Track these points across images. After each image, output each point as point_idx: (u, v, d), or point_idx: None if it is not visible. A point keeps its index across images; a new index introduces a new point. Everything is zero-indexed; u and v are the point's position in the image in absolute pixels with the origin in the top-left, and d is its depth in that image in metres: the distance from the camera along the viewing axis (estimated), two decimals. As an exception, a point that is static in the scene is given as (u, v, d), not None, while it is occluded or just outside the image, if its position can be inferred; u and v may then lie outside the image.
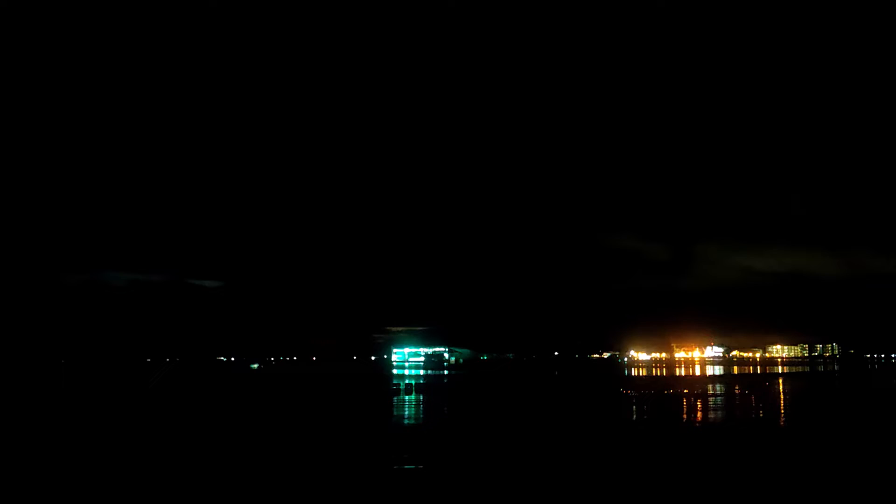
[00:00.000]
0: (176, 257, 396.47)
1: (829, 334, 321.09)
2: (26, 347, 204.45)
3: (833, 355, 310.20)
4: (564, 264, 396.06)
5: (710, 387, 68.72)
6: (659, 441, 27.97)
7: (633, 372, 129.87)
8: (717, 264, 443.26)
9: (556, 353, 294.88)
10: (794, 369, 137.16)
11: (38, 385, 74.90)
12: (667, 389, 63.35)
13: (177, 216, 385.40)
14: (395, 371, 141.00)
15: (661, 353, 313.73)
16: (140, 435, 30.04)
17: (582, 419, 36.48)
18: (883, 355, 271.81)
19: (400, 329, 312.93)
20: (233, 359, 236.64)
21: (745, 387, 68.08)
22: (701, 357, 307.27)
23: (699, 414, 39.82)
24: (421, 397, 54.48)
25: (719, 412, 41.00)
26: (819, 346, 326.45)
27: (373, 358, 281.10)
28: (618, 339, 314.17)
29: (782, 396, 55.44)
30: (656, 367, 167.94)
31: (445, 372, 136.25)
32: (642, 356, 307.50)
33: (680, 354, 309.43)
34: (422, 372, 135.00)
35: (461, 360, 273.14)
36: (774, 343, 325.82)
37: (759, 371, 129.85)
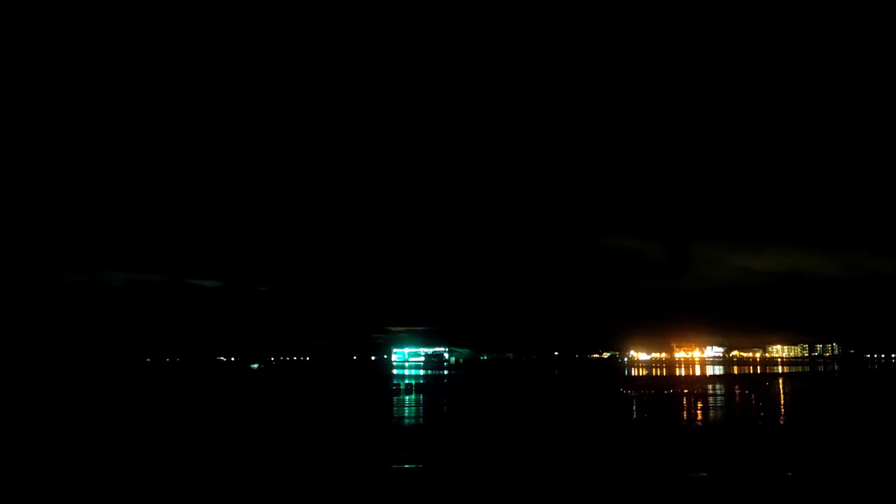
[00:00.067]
0: (174, 257, 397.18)
1: (829, 334, 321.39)
2: (26, 348, 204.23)
3: (833, 355, 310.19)
4: (564, 265, 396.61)
5: (709, 387, 68.72)
6: (659, 441, 27.99)
7: (633, 372, 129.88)
8: (716, 264, 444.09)
9: (556, 353, 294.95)
10: (794, 369, 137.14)
11: (38, 385, 74.92)
12: (667, 389, 63.35)
13: (176, 216, 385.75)
14: (395, 371, 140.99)
15: (661, 353, 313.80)
16: (140, 436, 30.05)
17: (582, 419, 36.49)
18: (883, 355, 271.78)
19: (400, 329, 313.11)
20: (233, 359, 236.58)
21: (744, 387, 68.08)
22: (701, 357, 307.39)
23: (699, 414, 39.83)
24: (421, 397, 54.50)
25: (719, 412, 41.01)
26: (819, 346, 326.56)
27: (373, 358, 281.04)
28: (618, 339, 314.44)
29: (782, 396, 55.45)
30: (656, 367, 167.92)
31: (445, 372, 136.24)
32: (642, 356, 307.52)
33: (680, 354, 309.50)
34: (422, 372, 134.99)
35: (461, 360, 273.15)
36: (774, 343, 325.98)
37: (759, 371, 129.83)
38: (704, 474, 20.34)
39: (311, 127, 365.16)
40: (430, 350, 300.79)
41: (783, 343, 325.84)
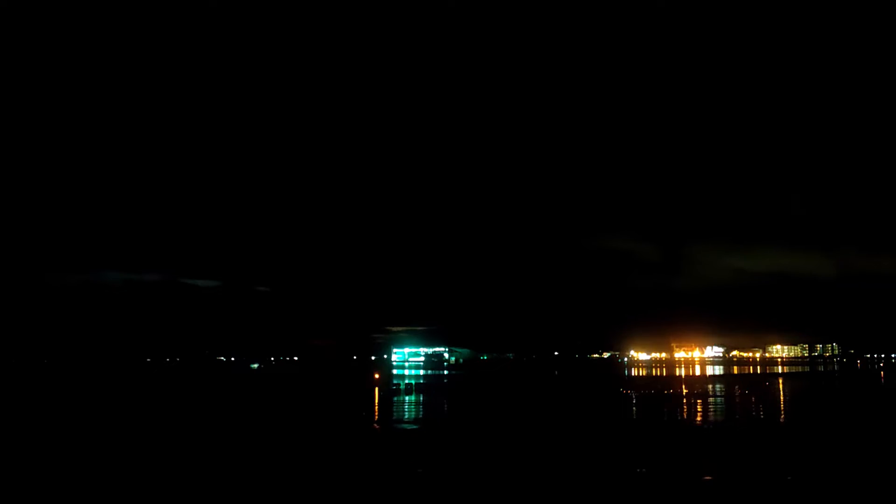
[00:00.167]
0: (170, 257, 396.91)
1: (829, 334, 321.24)
2: (25, 348, 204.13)
3: (833, 355, 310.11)
4: (564, 265, 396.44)
5: (709, 387, 68.69)
6: (659, 442, 27.96)
7: (633, 372, 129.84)
8: (710, 265, 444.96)
9: (556, 353, 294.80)
10: (793, 369, 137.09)
11: (39, 386, 74.90)
12: (667, 389, 63.33)
13: (172, 216, 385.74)
14: (395, 371, 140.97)
15: (661, 353, 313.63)
16: (139, 437, 30.03)
17: (582, 420, 36.46)
18: (883, 355, 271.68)
19: (400, 329, 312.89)
20: (233, 359, 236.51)
21: (744, 387, 68.05)
22: (701, 357, 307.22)
23: (699, 414, 39.80)
24: (421, 397, 54.47)
25: (719, 412, 40.98)
26: (819, 346, 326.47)
27: (373, 358, 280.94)
28: (618, 339, 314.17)
29: (782, 397, 55.42)
30: (656, 367, 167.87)
31: (445, 372, 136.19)
32: (642, 356, 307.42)
33: (680, 354, 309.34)
34: (422, 372, 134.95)
35: (461, 360, 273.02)
36: (774, 343, 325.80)
37: (758, 371, 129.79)
38: (707, 477, 20.31)
39: (311, 127, 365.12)
40: (430, 350, 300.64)
41: (783, 343, 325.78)
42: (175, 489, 18.66)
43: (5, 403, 49.90)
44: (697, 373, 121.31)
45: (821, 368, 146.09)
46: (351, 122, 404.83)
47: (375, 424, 35.20)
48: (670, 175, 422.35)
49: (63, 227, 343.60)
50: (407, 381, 78.08)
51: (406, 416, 39.86)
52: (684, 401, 49.56)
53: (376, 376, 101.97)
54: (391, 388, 66.16)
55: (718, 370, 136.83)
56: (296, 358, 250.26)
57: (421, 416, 40.46)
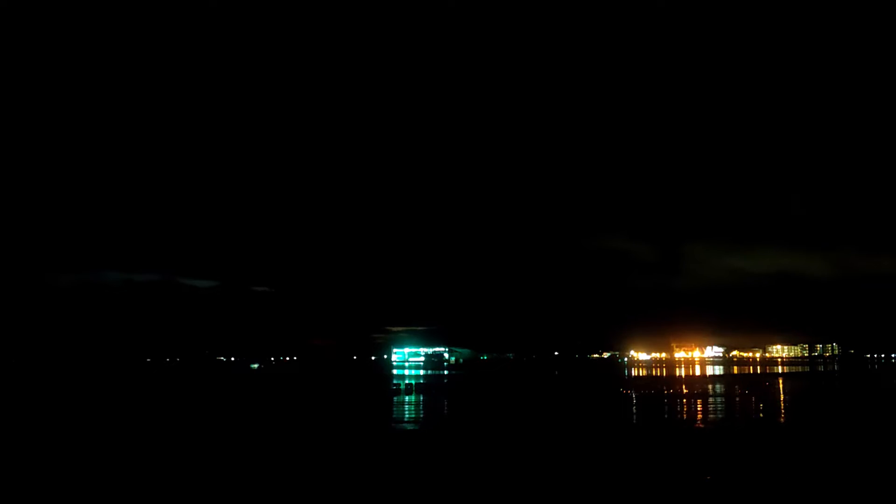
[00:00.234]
0: (168, 257, 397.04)
1: (829, 334, 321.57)
2: (25, 349, 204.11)
3: (833, 355, 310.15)
4: (564, 265, 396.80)
5: (710, 387, 68.70)
6: (659, 442, 27.96)
7: (633, 372, 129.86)
8: (713, 265, 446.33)
9: (556, 353, 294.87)
10: (793, 369, 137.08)
11: (41, 386, 74.91)
12: (667, 390, 63.34)
13: (170, 216, 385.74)
14: (395, 371, 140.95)
15: (661, 353, 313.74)
16: (138, 437, 30.03)
17: (582, 420, 36.46)
18: (883, 355, 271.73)
19: (400, 329, 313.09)
20: (233, 359, 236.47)
21: (745, 387, 68.05)
22: (701, 357, 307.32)
23: (699, 414, 39.80)
24: (421, 397, 54.47)
25: (719, 412, 40.99)
26: (819, 346, 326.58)
27: (373, 358, 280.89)
28: (618, 339, 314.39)
29: (782, 396, 55.41)
30: (656, 367, 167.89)
31: (445, 372, 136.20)
32: (642, 356, 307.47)
33: (680, 354, 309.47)
34: (422, 372, 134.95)
35: (461, 360, 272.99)
36: (774, 343, 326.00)
37: (758, 371, 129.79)
38: (707, 477, 20.31)
39: (311, 127, 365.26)
40: (430, 350, 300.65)
41: (783, 343, 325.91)
42: (174, 489, 18.66)
43: (5, 404, 49.88)
44: (697, 373, 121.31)
45: (821, 368, 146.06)
46: (351, 123, 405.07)
47: (375, 424, 35.19)
48: (669, 175, 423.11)
49: (62, 228, 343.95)
50: (407, 381, 78.08)
51: (406, 417, 39.85)
52: (684, 401, 49.55)
53: (376, 376, 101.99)
54: (391, 388, 66.15)
55: (718, 370, 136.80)
56: (296, 358, 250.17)
57: (421, 416, 40.45)
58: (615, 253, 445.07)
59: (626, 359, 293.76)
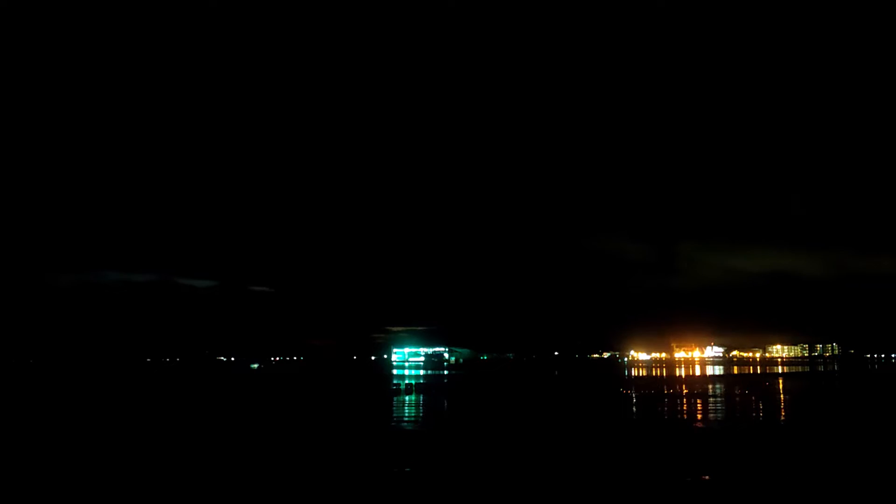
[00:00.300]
0: (165, 257, 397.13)
1: (829, 334, 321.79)
2: (25, 349, 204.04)
3: (833, 355, 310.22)
4: (564, 265, 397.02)
5: (709, 387, 68.70)
6: (658, 441, 27.96)
7: (634, 372, 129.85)
8: (713, 265, 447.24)
9: (556, 353, 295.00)
10: (793, 369, 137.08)
11: (42, 386, 74.92)
12: (667, 390, 63.34)
13: (172, 216, 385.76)
14: (395, 371, 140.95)
15: (661, 353, 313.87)
16: (138, 437, 30.03)
17: (582, 420, 36.46)
18: (883, 355, 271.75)
19: (400, 329, 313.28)
20: (233, 359, 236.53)
21: (744, 387, 68.06)
22: (701, 357, 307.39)
23: (699, 414, 39.80)
24: (421, 397, 54.47)
25: (719, 412, 40.97)
26: (819, 346, 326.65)
27: (373, 358, 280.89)
28: (618, 339, 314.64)
29: (782, 396, 55.41)
30: (656, 368, 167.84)
31: (445, 372, 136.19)
32: (642, 356, 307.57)
33: (680, 354, 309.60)
34: (422, 372, 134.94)
35: (461, 360, 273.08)
36: (774, 343, 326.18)
37: (758, 371, 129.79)
38: (705, 476, 20.31)
39: (311, 127, 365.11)
40: (430, 350, 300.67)
41: (783, 343, 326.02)
42: (173, 489, 18.66)
43: (6, 404, 49.89)
44: (697, 373, 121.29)
45: (821, 368, 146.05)
46: (351, 123, 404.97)
47: (375, 424, 35.18)
48: (668, 176, 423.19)
49: (61, 228, 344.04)
50: (407, 381, 78.09)
51: (406, 416, 39.84)
52: (684, 401, 49.55)
53: (376, 376, 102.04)
54: (391, 388, 66.16)
55: (718, 370, 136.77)
56: (296, 358, 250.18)
57: (421, 416, 40.45)
58: (615, 253, 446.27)
59: (626, 359, 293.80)
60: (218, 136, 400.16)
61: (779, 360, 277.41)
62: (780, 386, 70.43)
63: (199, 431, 31.67)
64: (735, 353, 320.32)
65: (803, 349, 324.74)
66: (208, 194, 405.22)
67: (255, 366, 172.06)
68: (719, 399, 51.78)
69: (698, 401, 48.75)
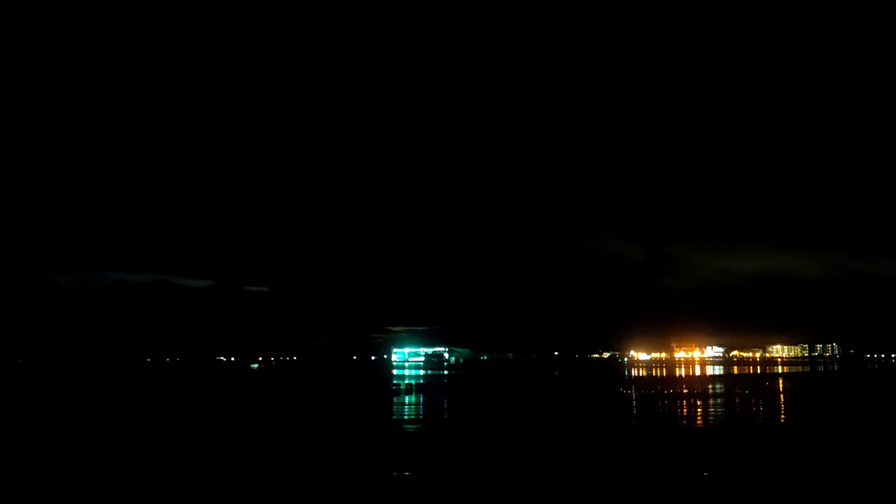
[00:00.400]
0: (171, 257, 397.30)
1: (829, 334, 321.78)
2: (25, 349, 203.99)
3: (833, 355, 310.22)
4: (564, 265, 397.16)
5: (709, 387, 68.74)
6: (659, 442, 27.98)
7: (634, 372, 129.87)
8: (713, 265, 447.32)
9: (556, 353, 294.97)
10: (793, 369, 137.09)
11: (43, 386, 74.95)
12: (667, 390, 63.36)
13: (172, 217, 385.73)
14: (395, 371, 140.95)
15: (661, 353, 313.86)
16: (139, 436, 30.05)
17: (582, 420, 36.48)
18: (883, 355, 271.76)
19: (400, 329, 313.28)
20: (233, 359, 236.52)
21: (744, 387, 68.08)
22: (701, 357, 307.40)
23: (699, 414, 39.83)
24: (421, 397, 54.49)
25: (718, 412, 41.00)
26: (819, 346, 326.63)
27: (373, 358, 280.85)
28: (618, 339, 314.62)
29: (782, 396, 55.44)
30: (656, 368, 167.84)
31: (445, 372, 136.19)
32: (642, 356, 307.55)
33: (680, 354, 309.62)
34: (422, 372, 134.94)
35: (461, 360, 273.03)
36: (774, 343, 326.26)
37: (758, 371, 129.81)
38: (704, 473, 20.32)
39: (310, 126, 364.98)
40: (430, 350, 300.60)
41: (783, 343, 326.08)
42: (174, 490, 18.68)
43: (8, 404, 49.91)
44: (697, 373, 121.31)
45: (821, 368, 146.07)
46: (351, 122, 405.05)
47: (375, 424, 35.20)
48: (667, 177, 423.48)
49: (59, 228, 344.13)
50: (407, 381, 78.09)
51: (406, 416, 39.86)
52: (684, 401, 49.57)
53: (376, 376, 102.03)
54: (391, 388, 66.17)
55: (718, 370, 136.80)
56: (296, 358, 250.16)
57: (421, 416, 40.47)
58: (615, 253, 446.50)
59: (626, 359, 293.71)
60: (216, 135, 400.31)
61: (779, 360, 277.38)
62: (780, 386, 70.46)
63: (199, 432, 31.69)
64: (735, 353, 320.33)
65: (803, 349, 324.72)
66: (207, 194, 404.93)
67: (255, 366, 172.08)
68: (719, 399, 51.80)
69: (698, 401, 48.77)
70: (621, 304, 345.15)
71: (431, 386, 73.67)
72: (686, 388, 65.48)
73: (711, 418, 36.97)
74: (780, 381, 79.37)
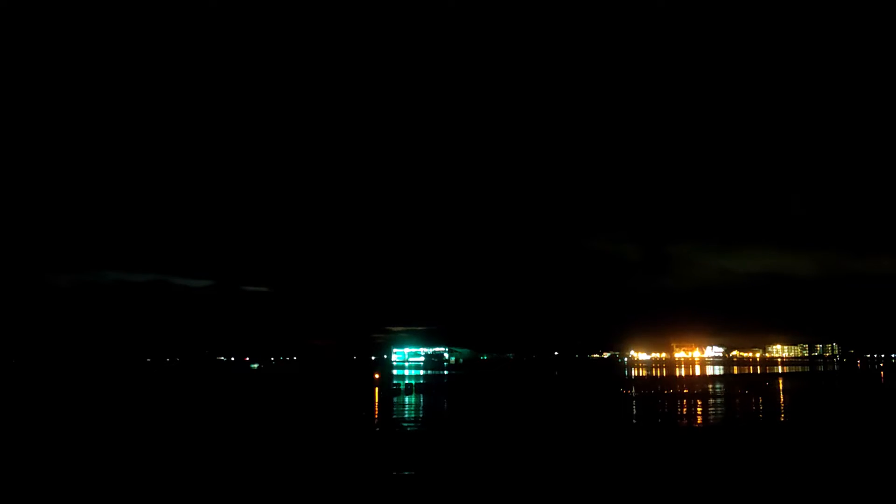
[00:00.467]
0: (171, 257, 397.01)
1: (829, 334, 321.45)
2: (25, 350, 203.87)
3: (833, 355, 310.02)
4: (564, 266, 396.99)
5: (709, 387, 68.72)
6: (658, 443, 27.98)
7: (633, 372, 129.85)
8: (713, 265, 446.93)
9: (556, 353, 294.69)
10: (793, 369, 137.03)
11: (44, 386, 74.94)
12: (667, 390, 63.35)
13: (172, 217, 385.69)
14: (395, 371, 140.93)
15: (661, 353, 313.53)
16: (138, 436, 30.05)
17: (582, 420, 36.47)
18: (883, 355, 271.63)
19: (400, 329, 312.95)
20: (233, 359, 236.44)
21: (744, 387, 68.08)
22: (701, 357, 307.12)
23: (699, 414, 39.83)
24: (421, 398, 54.48)
25: (718, 412, 41.01)
26: (819, 346, 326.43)
27: (373, 358, 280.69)
28: (618, 339, 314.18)
29: (782, 396, 55.43)
30: (656, 368, 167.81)
31: (445, 372, 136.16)
32: (642, 356, 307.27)
33: (680, 354, 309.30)
34: (422, 372, 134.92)
35: (461, 360, 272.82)
36: (774, 343, 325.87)
37: (758, 371, 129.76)
38: (704, 475, 20.33)
39: (310, 126, 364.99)
40: (430, 350, 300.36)
41: (783, 343, 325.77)
42: (174, 490, 18.69)
43: (9, 404, 49.91)
44: (697, 373, 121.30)
45: (821, 368, 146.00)
46: (350, 122, 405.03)
47: (375, 425, 35.21)
48: (667, 177, 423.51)
49: (58, 228, 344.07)
50: (407, 381, 78.06)
51: (406, 417, 39.86)
52: (684, 401, 49.57)
53: (376, 376, 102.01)
54: (391, 388, 66.17)
55: (718, 370, 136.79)
56: (296, 358, 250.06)
57: (421, 416, 40.47)
58: (615, 253, 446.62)
59: (626, 359, 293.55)
60: (215, 135, 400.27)
61: (779, 360, 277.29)
62: (781, 386, 70.44)
63: (199, 432, 31.69)
64: (735, 353, 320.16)
65: (803, 349, 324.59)
66: (205, 194, 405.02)
67: (256, 366, 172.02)
68: (719, 399, 51.79)
69: (698, 401, 48.76)
70: (621, 304, 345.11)
71: (431, 386, 73.65)
72: (686, 389, 65.47)
73: (712, 418, 36.97)
74: (780, 382, 79.36)
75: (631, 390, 64.28)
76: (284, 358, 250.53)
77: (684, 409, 42.66)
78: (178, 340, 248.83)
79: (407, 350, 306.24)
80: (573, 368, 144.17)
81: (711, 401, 49.67)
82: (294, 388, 70.30)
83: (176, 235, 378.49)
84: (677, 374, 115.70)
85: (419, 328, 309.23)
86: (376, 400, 53.68)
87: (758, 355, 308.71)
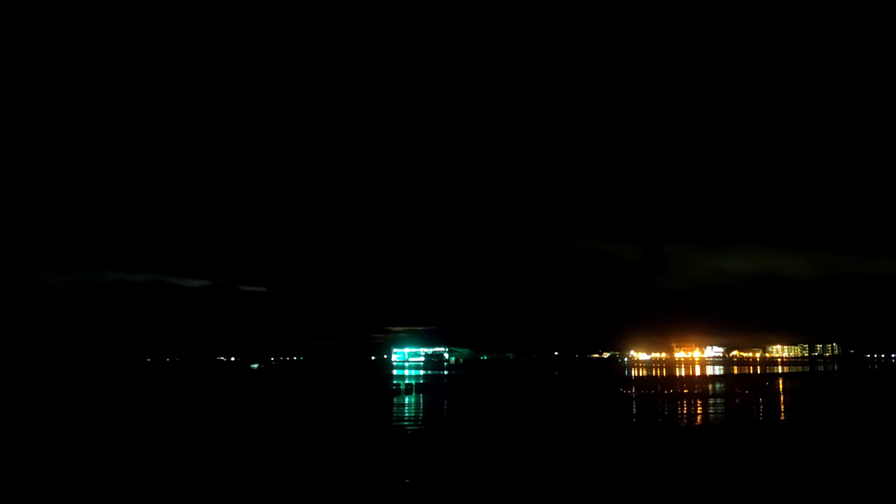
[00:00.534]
0: (170, 257, 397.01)
1: (829, 334, 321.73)
2: (25, 350, 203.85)
3: (833, 355, 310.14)
4: (564, 266, 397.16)
5: (709, 387, 68.73)
6: (658, 443, 27.98)
7: (633, 372, 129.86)
8: (713, 266, 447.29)
9: (556, 353, 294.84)
10: (793, 369, 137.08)
11: (45, 386, 74.94)
12: (666, 390, 63.35)
13: (172, 217, 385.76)
14: (395, 371, 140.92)
15: (661, 353, 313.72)
16: (138, 436, 30.05)
17: (581, 420, 36.48)
18: (883, 355, 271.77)
19: (400, 329, 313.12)
20: (233, 359, 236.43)
21: (744, 387, 68.08)
22: (701, 357, 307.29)
23: (699, 414, 39.84)
24: (421, 398, 54.48)
25: (718, 412, 41.01)
26: (819, 346, 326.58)
27: (373, 358, 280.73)
28: (618, 339, 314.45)
29: (782, 396, 55.43)
30: (656, 368, 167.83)
31: (445, 372, 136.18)
32: (642, 356, 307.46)
33: (680, 354, 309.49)
34: (422, 372, 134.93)
35: (461, 360, 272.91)
36: (774, 343, 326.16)
37: (758, 371, 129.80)
38: (704, 476, 20.33)
39: (309, 126, 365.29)
40: (430, 350, 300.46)
41: (783, 343, 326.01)
42: (174, 490, 18.69)
43: (9, 405, 49.91)
44: (697, 373, 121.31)
45: (820, 368, 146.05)
46: (350, 122, 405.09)
47: (375, 425, 35.20)
48: (664, 177, 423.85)
49: (56, 228, 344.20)
50: (407, 382, 78.08)
51: (406, 417, 39.87)
52: (684, 401, 49.57)
53: (376, 376, 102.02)
54: (391, 388, 66.16)
55: (718, 370, 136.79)
56: (296, 358, 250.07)
57: (421, 416, 40.48)
58: (613, 254, 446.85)
59: (626, 359, 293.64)
60: (213, 135, 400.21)
61: (779, 360, 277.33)
62: (780, 386, 70.45)
63: (199, 433, 31.69)
64: (735, 353, 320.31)
65: (803, 349, 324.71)
66: (204, 194, 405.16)
67: (256, 366, 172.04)
68: (719, 399, 51.80)
69: (698, 401, 48.76)
70: (621, 305, 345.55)
71: (431, 386, 73.65)
72: (686, 389, 65.47)
73: (711, 418, 36.97)
74: (780, 382, 79.36)
75: (631, 390, 64.28)
76: (284, 358, 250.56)
77: (684, 409, 42.67)
78: (177, 341, 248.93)
79: (407, 350, 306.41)
80: (573, 368, 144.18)
81: (711, 401, 49.67)
82: (293, 389, 70.29)
83: (174, 235, 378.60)
84: (677, 374, 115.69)
85: (419, 328, 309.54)
86: (376, 400, 53.67)
87: (758, 355, 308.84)
